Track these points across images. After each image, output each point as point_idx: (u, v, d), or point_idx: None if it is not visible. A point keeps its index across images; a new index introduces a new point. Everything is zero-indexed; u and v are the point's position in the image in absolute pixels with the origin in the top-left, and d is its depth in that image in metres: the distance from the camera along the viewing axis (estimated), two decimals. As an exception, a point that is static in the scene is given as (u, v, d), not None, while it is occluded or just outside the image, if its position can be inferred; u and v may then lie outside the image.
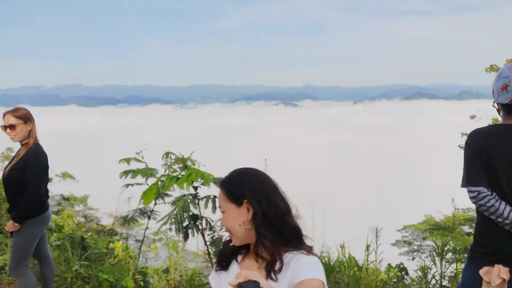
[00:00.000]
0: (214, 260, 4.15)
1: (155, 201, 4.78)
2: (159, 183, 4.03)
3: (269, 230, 1.52)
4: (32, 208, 3.45)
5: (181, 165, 3.97)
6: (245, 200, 1.53)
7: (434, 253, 3.73)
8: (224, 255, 1.67)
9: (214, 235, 4.03)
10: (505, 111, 2.44)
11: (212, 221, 4.05)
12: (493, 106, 2.56)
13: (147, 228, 5.20)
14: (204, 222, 4.01)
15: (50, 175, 3.75)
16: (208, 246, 4.07)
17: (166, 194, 4.71)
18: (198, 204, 3.92)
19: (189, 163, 4.07)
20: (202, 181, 3.84)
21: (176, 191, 4.26)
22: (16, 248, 3.56)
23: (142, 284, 4.46)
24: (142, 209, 4.89)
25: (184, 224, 3.84)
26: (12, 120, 3.47)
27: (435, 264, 3.71)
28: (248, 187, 1.54)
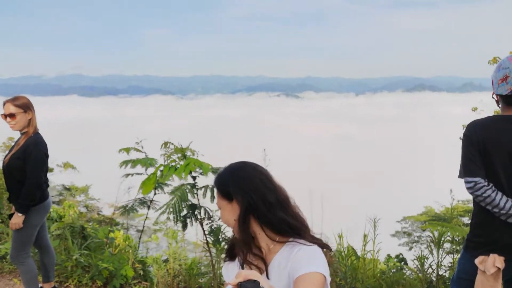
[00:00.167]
0: (212, 249, 4.18)
1: (155, 191, 4.80)
2: (158, 172, 4.04)
3: (262, 222, 1.54)
4: (33, 197, 3.47)
5: (179, 155, 3.98)
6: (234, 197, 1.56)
7: (431, 243, 3.76)
8: (231, 247, 1.70)
9: (212, 225, 4.05)
10: (504, 103, 2.44)
11: (211, 210, 4.07)
12: (492, 97, 2.56)
13: (146, 218, 5.23)
14: (202, 211, 4.03)
15: (51, 165, 3.78)
16: (207, 236, 4.09)
17: (166, 184, 4.73)
18: (196, 193, 3.93)
19: (188, 153, 4.08)
20: (201, 171, 3.85)
21: (175, 181, 4.28)
22: (17, 236, 3.58)
23: (142, 273, 4.50)
24: (142, 199, 4.92)
25: (183, 214, 3.86)
26: (12, 109, 3.47)
27: (432, 253, 3.74)
28: (234, 184, 1.56)
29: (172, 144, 4.15)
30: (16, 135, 3.65)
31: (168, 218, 3.78)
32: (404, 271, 4.17)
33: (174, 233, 4.31)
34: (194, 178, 3.96)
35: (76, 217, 5.68)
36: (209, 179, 3.86)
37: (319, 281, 1.39)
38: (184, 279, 4.31)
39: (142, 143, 4.89)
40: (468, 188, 2.39)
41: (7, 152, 3.72)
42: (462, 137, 2.48)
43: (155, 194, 4.87)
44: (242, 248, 1.58)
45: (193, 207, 3.96)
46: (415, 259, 3.76)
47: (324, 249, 1.55)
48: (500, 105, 2.50)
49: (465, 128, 2.49)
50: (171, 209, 3.71)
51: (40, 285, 3.96)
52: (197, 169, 3.88)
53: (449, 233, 3.85)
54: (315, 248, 1.50)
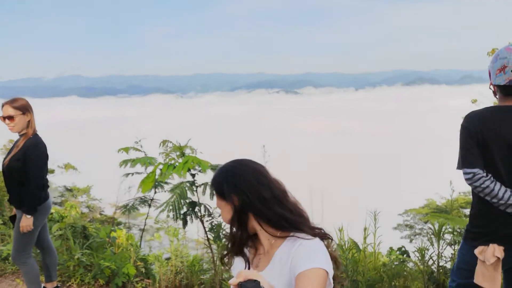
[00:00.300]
0: (213, 246, 4.19)
1: (155, 190, 4.81)
2: (157, 171, 4.05)
3: (260, 219, 1.55)
4: (38, 198, 3.50)
5: (178, 153, 3.99)
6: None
7: (432, 234, 3.77)
8: (233, 244, 1.72)
9: (212, 221, 4.06)
10: (502, 93, 2.43)
11: (210, 207, 4.08)
12: (490, 88, 2.54)
13: (147, 217, 5.25)
14: (202, 208, 4.04)
15: (52, 167, 3.80)
16: (207, 233, 4.10)
17: (166, 183, 4.74)
18: (196, 191, 3.94)
19: (188, 151, 4.09)
20: (200, 168, 3.86)
21: (175, 180, 4.29)
22: (18, 237, 3.60)
23: (144, 271, 4.52)
24: (142, 197, 4.93)
25: (182, 211, 3.87)
26: (10, 111, 3.48)
27: (432, 245, 3.75)
28: (228, 183, 1.57)
29: (171, 142, 4.16)
30: (16, 137, 3.66)
31: (168, 216, 3.79)
32: (406, 264, 4.18)
33: (175, 230, 4.32)
34: (193, 175, 3.97)
35: (77, 217, 5.70)
36: (209, 177, 3.87)
37: (321, 277, 1.38)
38: (186, 276, 4.33)
39: (142, 143, 4.90)
40: (466, 179, 2.40)
41: (6, 153, 3.73)
42: (460, 128, 2.48)
43: (155, 192, 4.88)
44: (239, 244, 1.61)
45: (193, 205, 3.97)
46: (415, 250, 3.77)
47: (326, 241, 1.55)
48: (497, 96, 2.50)
49: (462, 119, 2.49)
50: (170, 207, 3.72)
51: (42, 285, 3.98)
52: (196, 167, 3.89)
53: (449, 225, 3.86)
54: (316, 242, 1.49)
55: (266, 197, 1.53)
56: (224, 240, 3.99)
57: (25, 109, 3.54)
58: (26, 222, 3.49)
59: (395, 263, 4.11)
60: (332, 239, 1.59)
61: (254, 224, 1.56)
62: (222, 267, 4.18)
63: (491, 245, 2.34)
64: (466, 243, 2.52)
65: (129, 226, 7.89)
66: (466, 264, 2.50)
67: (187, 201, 3.92)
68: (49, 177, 3.76)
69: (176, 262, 4.32)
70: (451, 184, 4.17)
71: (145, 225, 5.66)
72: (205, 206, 4.06)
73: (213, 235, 4.02)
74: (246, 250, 1.66)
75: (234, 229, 1.60)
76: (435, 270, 3.79)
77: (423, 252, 3.70)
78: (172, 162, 3.92)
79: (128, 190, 5.22)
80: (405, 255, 4.55)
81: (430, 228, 4.02)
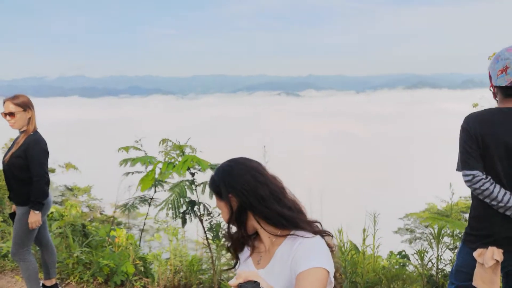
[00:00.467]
0: (212, 246, 4.20)
1: (155, 189, 4.81)
2: (157, 169, 4.06)
3: (259, 218, 1.54)
4: (44, 193, 3.51)
5: (178, 152, 3.99)
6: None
7: (431, 237, 3.77)
8: (234, 242, 1.73)
9: (211, 221, 4.06)
10: (502, 94, 2.40)
11: (210, 206, 4.08)
12: (490, 89, 2.53)
13: (147, 216, 5.24)
14: (201, 207, 4.04)
15: (53, 166, 3.82)
16: (206, 232, 4.10)
17: (166, 182, 4.74)
18: (195, 190, 3.94)
19: (188, 150, 4.09)
20: (200, 167, 3.86)
21: (175, 179, 4.29)
22: (18, 233, 3.60)
23: (143, 270, 4.52)
24: (142, 196, 4.93)
25: (182, 210, 3.87)
26: (11, 107, 3.50)
27: (431, 247, 3.74)
28: (225, 184, 1.57)
29: (170, 141, 4.17)
30: (15, 134, 3.67)
31: (167, 214, 3.79)
32: (406, 267, 4.17)
33: (174, 230, 4.32)
34: (192, 174, 3.97)
35: (77, 216, 5.70)
36: (208, 176, 3.87)
37: (321, 276, 1.36)
38: (185, 275, 4.33)
39: (142, 142, 4.90)
40: (466, 181, 2.38)
41: (6, 150, 3.74)
42: (459, 130, 2.47)
43: (155, 191, 4.88)
44: (239, 243, 1.63)
45: (192, 203, 3.98)
46: (415, 253, 3.77)
47: (326, 238, 1.53)
48: (497, 98, 2.47)
49: (462, 121, 2.48)
50: (170, 205, 3.72)
51: (41, 282, 3.98)
52: (196, 166, 3.89)
53: (448, 228, 3.85)
54: (317, 240, 1.48)
55: (264, 196, 1.52)
56: (223, 240, 3.98)
57: (26, 106, 3.55)
58: (35, 217, 3.50)
59: (395, 266, 4.11)
60: (332, 236, 1.58)
61: (253, 223, 1.56)
62: (221, 267, 4.19)
63: (490, 248, 2.33)
64: (465, 245, 2.50)
65: (129, 226, 7.88)
66: (465, 267, 2.49)
67: (187, 199, 3.92)
68: (50, 176, 3.77)
69: (175, 261, 4.33)
70: (451, 186, 4.16)
71: (144, 224, 5.67)
72: (204, 205, 4.06)
73: (212, 235, 4.02)
74: (247, 248, 1.66)
75: (234, 229, 1.60)
76: (434, 273, 3.79)
77: (422, 255, 3.69)
78: (172, 160, 3.92)
79: (128, 189, 5.22)
80: (405, 259, 4.55)
81: (431, 233, 4.01)
